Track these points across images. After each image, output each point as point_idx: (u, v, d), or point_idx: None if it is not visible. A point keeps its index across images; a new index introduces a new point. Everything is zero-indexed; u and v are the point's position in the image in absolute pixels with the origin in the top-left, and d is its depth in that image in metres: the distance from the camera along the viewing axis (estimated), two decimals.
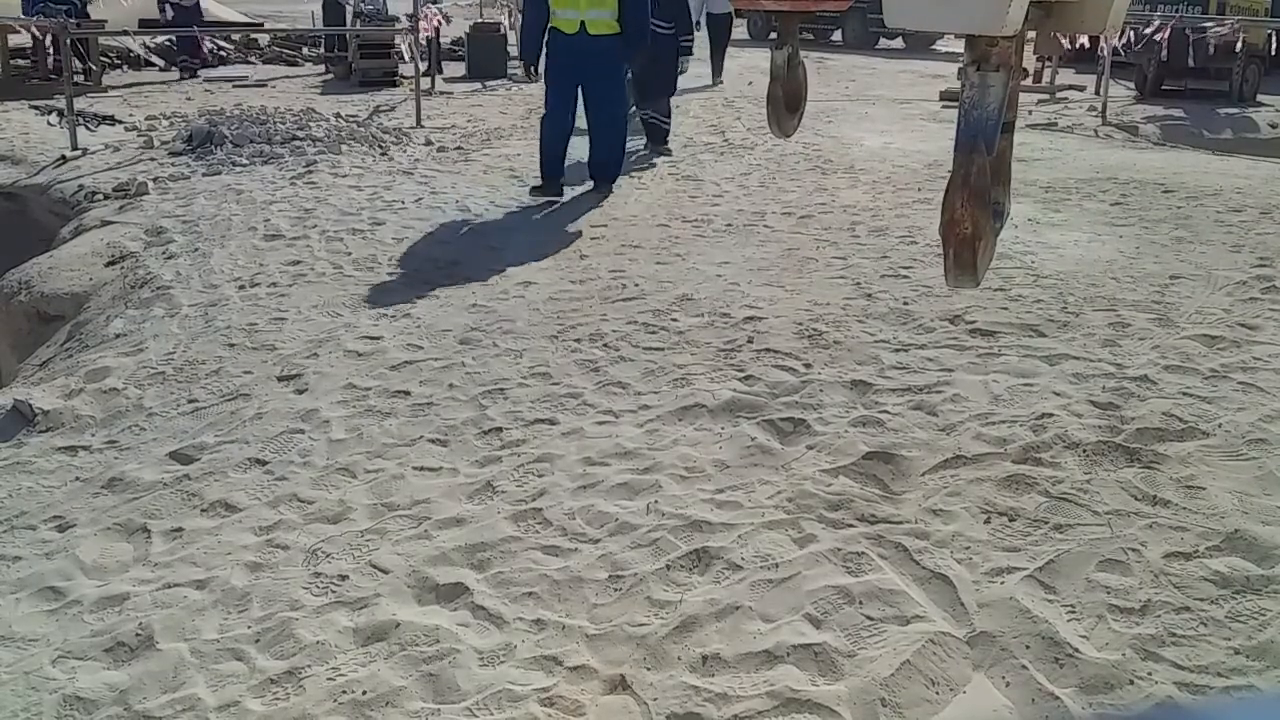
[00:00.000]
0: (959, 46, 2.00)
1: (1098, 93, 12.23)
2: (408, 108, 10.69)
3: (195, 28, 12.58)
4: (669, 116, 9.01)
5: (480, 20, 17.36)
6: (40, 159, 8.61)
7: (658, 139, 8.92)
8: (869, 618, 2.57)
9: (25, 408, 3.94)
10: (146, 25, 13.36)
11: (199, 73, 13.63)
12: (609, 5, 6.58)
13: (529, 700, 2.35)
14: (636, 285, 5.19)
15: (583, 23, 6.55)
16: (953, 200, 1.97)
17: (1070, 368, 4.02)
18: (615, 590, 2.74)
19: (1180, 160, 9.02)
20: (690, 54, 9.17)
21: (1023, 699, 2.29)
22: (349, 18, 13.58)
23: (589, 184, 7.30)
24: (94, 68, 12.42)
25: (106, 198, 7.33)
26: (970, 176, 1.93)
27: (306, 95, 12.03)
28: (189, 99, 11.52)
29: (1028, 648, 2.43)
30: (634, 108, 8.73)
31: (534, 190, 6.93)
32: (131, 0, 13.55)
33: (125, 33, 12.16)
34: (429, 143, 9.05)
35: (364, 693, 2.39)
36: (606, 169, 7.24)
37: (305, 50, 15.95)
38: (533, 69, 7.05)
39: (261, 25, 16.13)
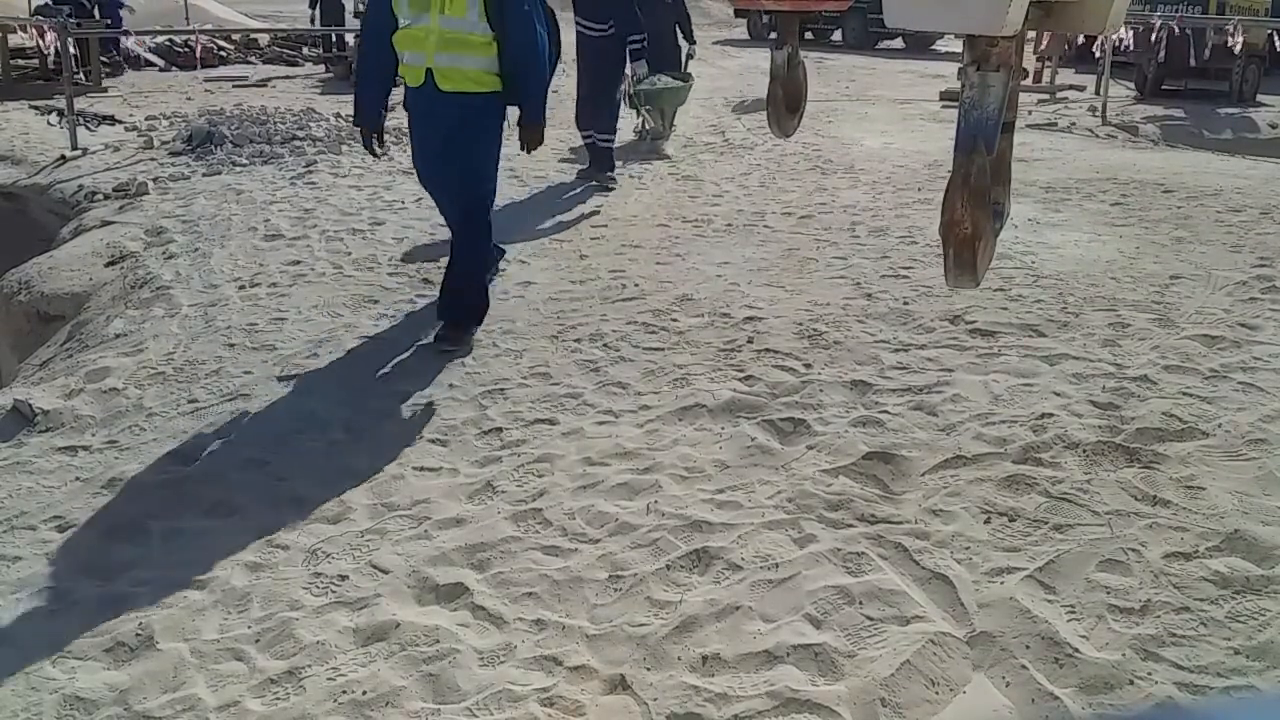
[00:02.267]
0: (959, 46, 2.00)
1: (1098, 93, 12.24)
2: None
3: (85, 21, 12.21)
4: (612, 135, 7.66)
5: None
6: (40, 159, 8.61)
7: (601, 164, 7.54)
8: (869, 618, 2.57)
9: (25, 408, 3.94)
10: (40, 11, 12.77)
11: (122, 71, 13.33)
12: (474, 46, 4.15)
13: (529, 700, 2.35)
14: (636, 285, 5.19)
15: (429, 72, 4.19)
16: (953, 200, 1.96)
17: (1070, 368, 4.02)
18: (615, 590, 2.74)
19: (1180, 160, 9.02)
20: (643, 58, 7.62)
21: (1023, 699, 2.29)
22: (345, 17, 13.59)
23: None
24: (105, 70, 12.39)
25: (106, 198, 7.33)
26: (970, 176, 1.93)
27: (306, 95, 12.03)
28: (189, 99, 11.52)
29: (1028, 648, 2.43)
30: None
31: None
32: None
33: (126, 33, 12.16)
34: None
35: (364, 693, 2.39)
36: (458, 299, 4.48)
37: (305, 50, 15.95)
38: (374, 139, 4.47)
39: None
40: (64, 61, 9.46)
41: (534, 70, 4.31)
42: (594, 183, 7.50)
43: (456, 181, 4.38)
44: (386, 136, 4.78)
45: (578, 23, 7.56)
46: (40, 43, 11.33)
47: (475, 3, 4.10)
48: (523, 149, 4.49)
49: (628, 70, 7.78)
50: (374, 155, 4.73)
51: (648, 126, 9.16)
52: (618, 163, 7.90)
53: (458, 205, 4.44)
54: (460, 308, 4.47)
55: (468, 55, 4.18)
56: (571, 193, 7.30)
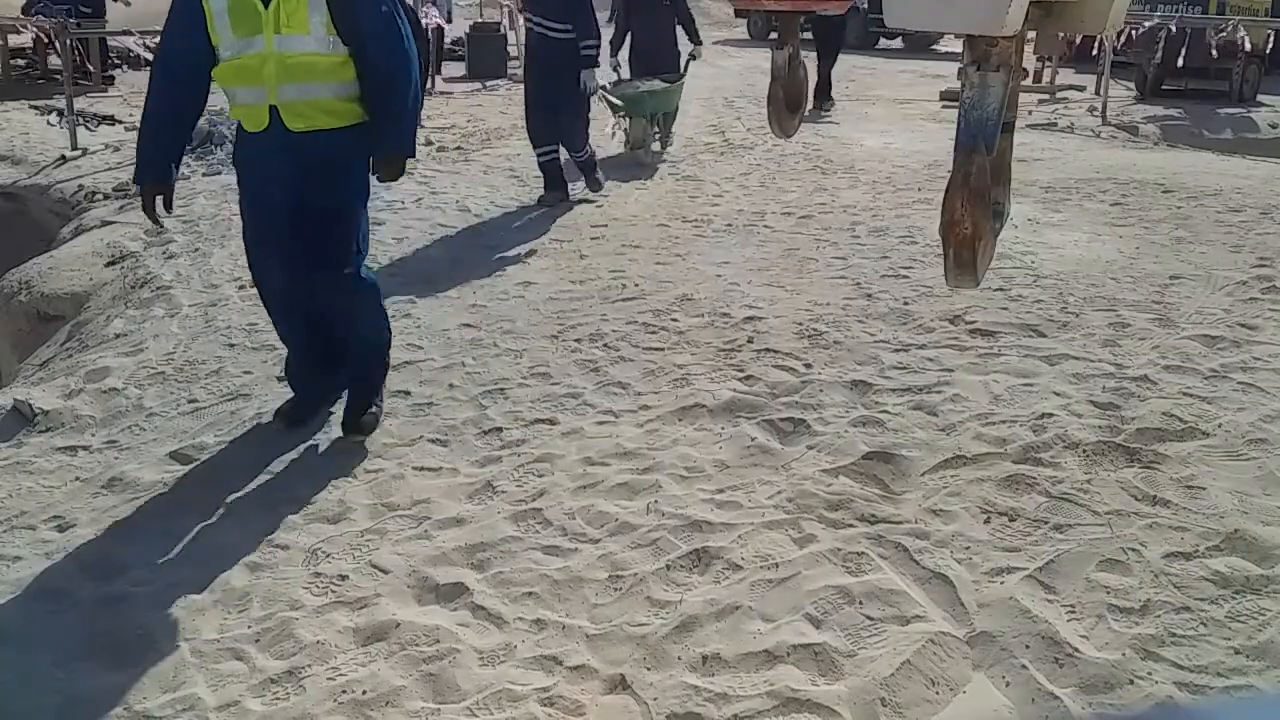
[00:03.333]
0: (959, 46, 2.00)
1: (1098, 93, 12.24)
2: None
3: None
4: (587, 147, 7.07)
5: (480, 20, 17.38)
6: (40, 159, 8.62)
7: (587, 174, 7.16)
8: (869, 618, 2.57)
9: (25, 408, 3.94)
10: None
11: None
12: (325, 71, 3.30)
13: (529, 700, 2.35)
14: (636, 285, 5.19)
15: (274, 110, 3.31)
16: (953, 200, 1.97)
17: (1070, 368, 4.02)
18: (615, 590, 2.74)
19: (1180, 160, 9.02)
20: (595, 65, 6.91)
21: (1023, 699, 2.29)
22: None
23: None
24: (111, 72, 12.32)
25: (106, 198, 7.33)
26: (970, 176, 1.93)
27: None
28: None
29: (1028, 648, 2.43)
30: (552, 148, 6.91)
31: (280, 415, 3.70)
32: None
33: (126, 32, 12.15)
34: (429, 143, 9.05)
35: (364, 692, 2.39)
36: (363, 379, 3.72)
37: None
38: (159, 199, 3.37)
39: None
40: (64, 61, 9.46)
41: (401, 86, 3.39)
42: (591, 188, 7.09)
43: (321, 239, 3.45)
44: None
45: (530, 20, 6.89)
46: (42, 37, 11.32)
47: (320, 13, 3.23)
48: (380, 180, 3.54)
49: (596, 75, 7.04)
50: (155, 225, 3.59)
51: (626, 134, 8.45)
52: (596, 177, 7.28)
53: (328, 267, 3.47)
54: (366, 387, 3.70)
55: (318, 83, 3.30)
56: (571, 192, 7.28)
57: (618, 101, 8.31)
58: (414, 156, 3.65)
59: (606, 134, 8.55)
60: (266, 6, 3.21)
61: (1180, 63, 12.33)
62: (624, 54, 8.91)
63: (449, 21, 14.49)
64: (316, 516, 3.15)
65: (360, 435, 3.61)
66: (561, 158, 7.04)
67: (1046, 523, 2.94)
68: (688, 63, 8.99)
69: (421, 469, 3.42)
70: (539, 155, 6.98)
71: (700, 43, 9.17)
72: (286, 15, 3.21)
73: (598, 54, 6.86)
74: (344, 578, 2.83)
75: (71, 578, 2.88)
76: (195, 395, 4.02)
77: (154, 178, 3.38)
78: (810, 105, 11.19)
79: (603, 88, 7.63)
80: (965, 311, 4.63)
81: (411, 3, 9.32)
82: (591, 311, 4.83)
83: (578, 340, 4.46)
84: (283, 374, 3.91)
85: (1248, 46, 11.73)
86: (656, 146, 8.61)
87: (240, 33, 3.23)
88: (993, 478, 3.20)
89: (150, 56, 13.47)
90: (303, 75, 3.28)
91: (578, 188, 7.23)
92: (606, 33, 7.74)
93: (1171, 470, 3.21)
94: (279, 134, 3.32)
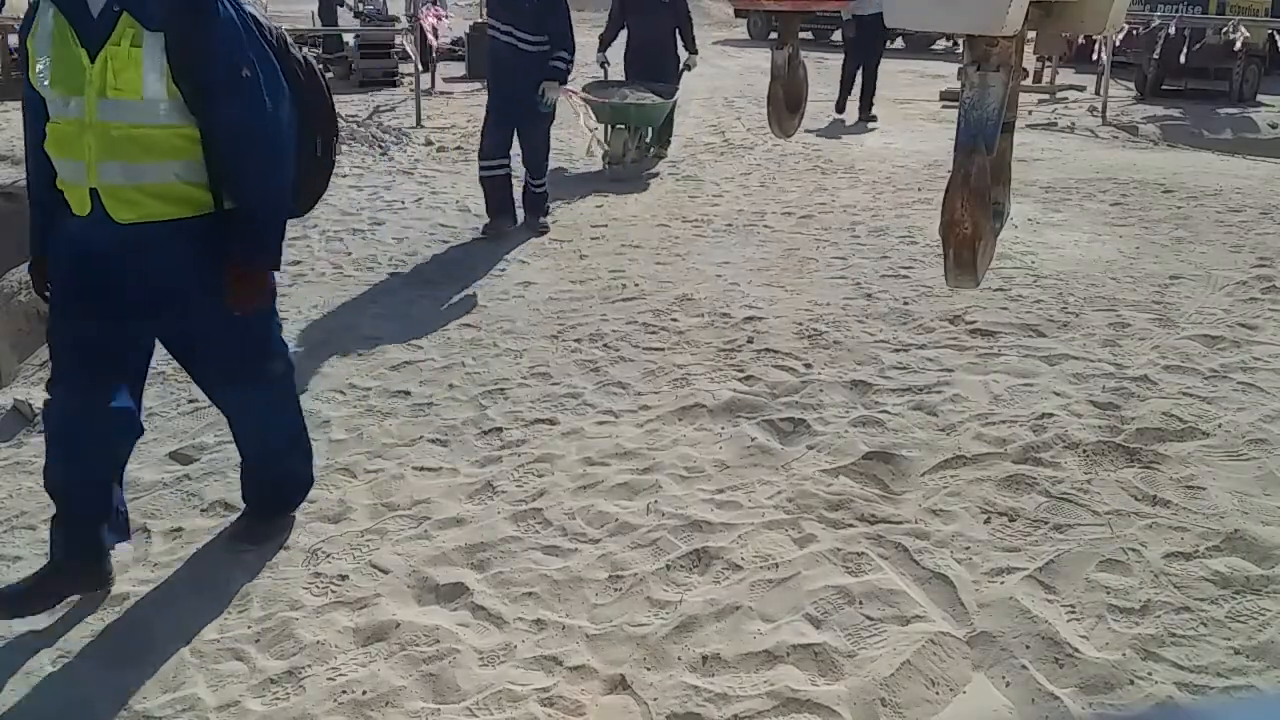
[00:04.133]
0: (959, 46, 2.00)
1: (1098, 93, 12.24)
2: (408, 108, 10.70)
3: None
4: (544, 174, 6.39)
5: (480, 20, 17.37)
6: None
7: (535, 209, 6.37)
8: (869, 618, 2.57)
9: (25, 408, 3.94)
10: None
11: None
12: (162, 146, 2.49)
13: (529, 700, 2.35)
14: (636, 285, 5.20)
15: (94, 194, 2.49)
16: (953, 200, 1.97)
17: (1070, 368, 4.02)
18: (615, 590, 2.74)
19: (1180, 160, 9.03)
20: (562, 80, 6.22)
21: (1023, 699, 2.29)
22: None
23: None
24: None
25: None
26: (970, 176, 1.93)
27: None
28: None
29: (1028, 648, 2.43)
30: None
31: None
32: None
33: None
34: (429, 143, 9.06)
35: (364, 693, 2.39)
36: (269, 490, 3.10)
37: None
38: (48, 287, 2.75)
39: None
40: None
41: (258, 173, 2.61)
42: (533, 229, 6.25)
43: (212, 358, 2.87)
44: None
45: (499, 29, 6.16)
46: None
47: (157, 70, 2.43)
48: (227, 299, 2.65)
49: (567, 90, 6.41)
50: (43, 299, 2.82)
51: (605, 148, 7.88)
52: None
53: (233, 383, 2.97)
54: (279, 501, 3.13)
55: (154, 163, 2.49)
56: (570, 193, 7.28)
57: (602, 109, 7.74)
58: (276, 269, 2.79)
59: (581, 145, 8.22)
60: (93, 60, 2.42)
61: (1184, 61, 12.31)
62: (615, 54, 8.44)
63: (445, 18, 14.47)
64: (316, 516, 3.15)
65: (247, 545, 2.98)
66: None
67: (1046, 523, 2.94)
68: (680, 72, 8.42)
69: (421, 469, 3.42)
70: (487, 169, 6.16)
71: (695, 51, 8.53)
72: (114, 73, 2.41)
73: (568, 71, 6.23)
74: (344, 578, 2.83)
75: None
76: (195, 395, 4.02)
77: (41, 252, 2.72)
78: (858, 116, 10.71)
79: (583, 88, 7.05)
80: (965, 311, 4.63)
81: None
82: (591, 311, 4.83)
83: (578, 340, 4.46)
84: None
85: (1241, 45, 11.71)
86: (635, 155, 7.96)
87: (59, 89, 2.47)
88: (993, 478, 3.20)
89: None
90: (132, 152, 2.46)
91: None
92: (588, 40, 7.24)
93: (1171, 470, 3.22)
94: (104, 223, 2.51)
